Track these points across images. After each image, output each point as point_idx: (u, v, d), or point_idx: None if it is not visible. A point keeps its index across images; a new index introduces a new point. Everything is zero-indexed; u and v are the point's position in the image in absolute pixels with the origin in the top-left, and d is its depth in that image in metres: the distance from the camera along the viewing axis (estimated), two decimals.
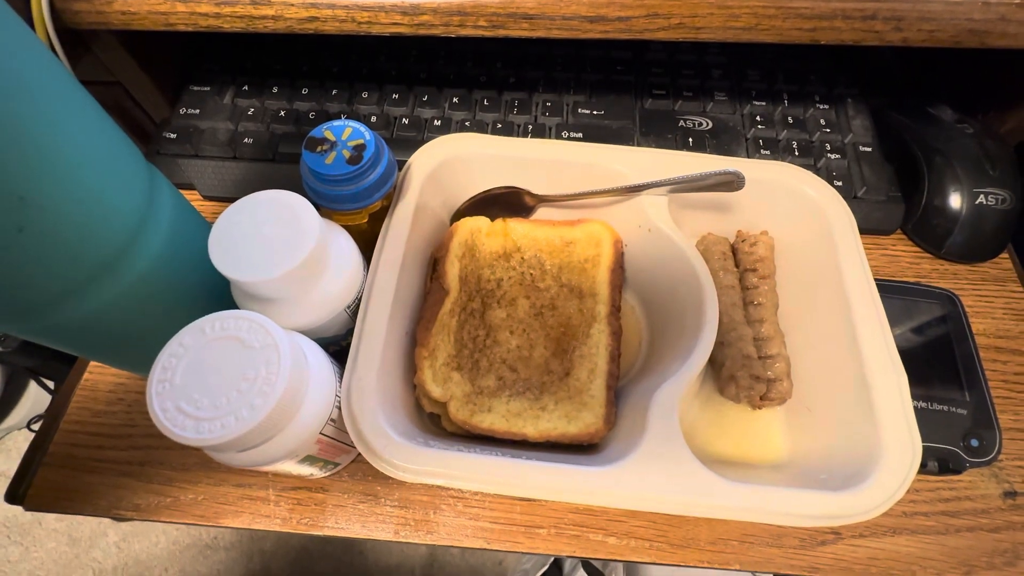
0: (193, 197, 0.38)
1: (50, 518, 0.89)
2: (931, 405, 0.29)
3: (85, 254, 0.20)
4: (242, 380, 0.20)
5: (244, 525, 0.29)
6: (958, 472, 0.28)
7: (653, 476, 0.23)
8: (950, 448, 0.28)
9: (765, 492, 0.23)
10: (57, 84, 0.19)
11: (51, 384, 0.91)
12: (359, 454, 0.27)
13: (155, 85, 0.39)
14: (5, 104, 0.16)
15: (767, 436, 0.29)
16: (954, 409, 0.29)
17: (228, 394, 0.20)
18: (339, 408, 0.24)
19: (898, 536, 0.28)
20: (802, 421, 0.28)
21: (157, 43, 0.38)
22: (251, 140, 0.37)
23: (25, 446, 0.31)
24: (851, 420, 0.25)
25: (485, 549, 0.28)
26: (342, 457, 0.28)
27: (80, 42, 0.35)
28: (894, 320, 0.26)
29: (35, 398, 0.96)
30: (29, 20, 0.30)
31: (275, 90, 0.39)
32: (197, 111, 0.39)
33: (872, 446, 0.24)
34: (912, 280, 0.35)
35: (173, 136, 0.38)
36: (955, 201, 0.34)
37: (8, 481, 0.30)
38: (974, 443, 0.28)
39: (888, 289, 0.32)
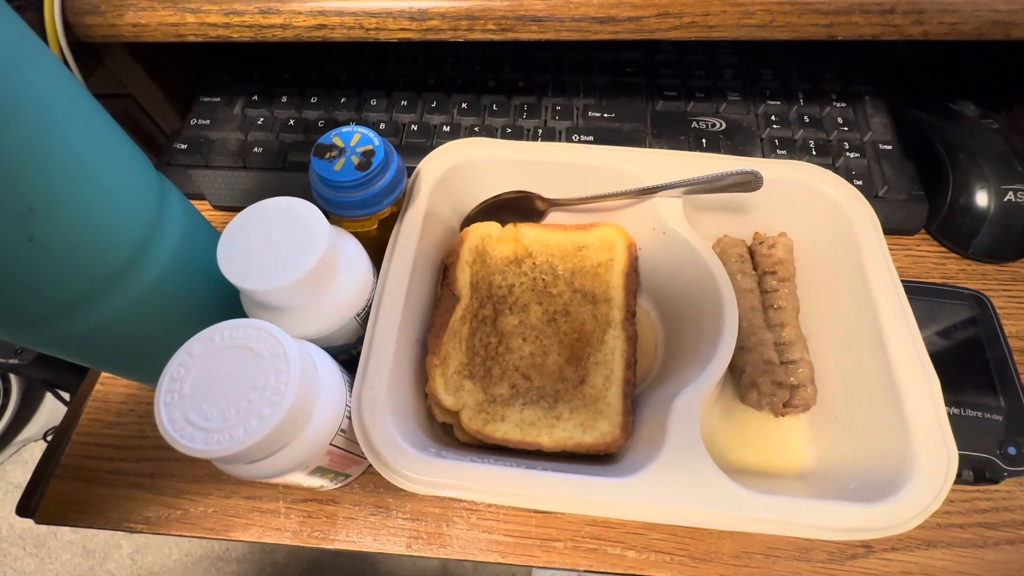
0: (203, 207, 0.38)
1: (65, 529, 0.89)
2: (963, 411, 0.28)
3: (95, 264, 0.20)
4: (251, 390, 0.20)
5: (254, 538, 0.28)
6: (995, 481, 0.27)
7: (673, 487, 0.22)
8: (986, 456, 0.27)
9: (792, 504, 0.22)
10: (68, 96, 0.19)
11: (67, 396, 0.92)
12: (370, 465, 0.27)
13: (166, 96, 0.39)
14: (16, 115, 0.16)
15: (791, 445, 0.28)
16: (988, 415, 0.28)
17: (237, 404, 0.20)
18: (349, 418, 0.24)
19: (933, 549, 0.27)
20: (828, 429, 0.27)
21: (168, 55, 0.39)
22: (260, 149, 0.37)
23: None
24: (881, 427, 0.24)
25: (499, 563, 0.27)
26: (353, 468, 0.27)
27: (92, 55, 0.35)
28: (920, 323, 0.25)
29: (51, 410, 0.97)
30: (43, 34, 0.31)
31: (284, 99, 0.39)
32: (207, 121, 0.39)
33: (904, 455, 0.23)
34: (938, 281, 0.34)
35: (183, 147, 0.38)
36: (982, 199, 0.33)
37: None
38: (1011, 451, 0.27)
39: (913, 291, 0.31)
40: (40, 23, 0.30)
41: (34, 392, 0.97)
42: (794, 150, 0.36)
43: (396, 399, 0.24)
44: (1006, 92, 0.38)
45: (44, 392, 0.97)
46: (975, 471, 0.27)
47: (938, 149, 0.35)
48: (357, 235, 0.28)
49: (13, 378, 0.92)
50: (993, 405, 0.28)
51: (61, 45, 0.31)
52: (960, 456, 0.26)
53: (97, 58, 0.36)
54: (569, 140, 0.37)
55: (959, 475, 0.27)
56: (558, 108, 0.39)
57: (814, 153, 0.36)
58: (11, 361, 0.75)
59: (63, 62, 0.32)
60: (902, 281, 0.27)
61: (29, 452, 0.96)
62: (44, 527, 0.89)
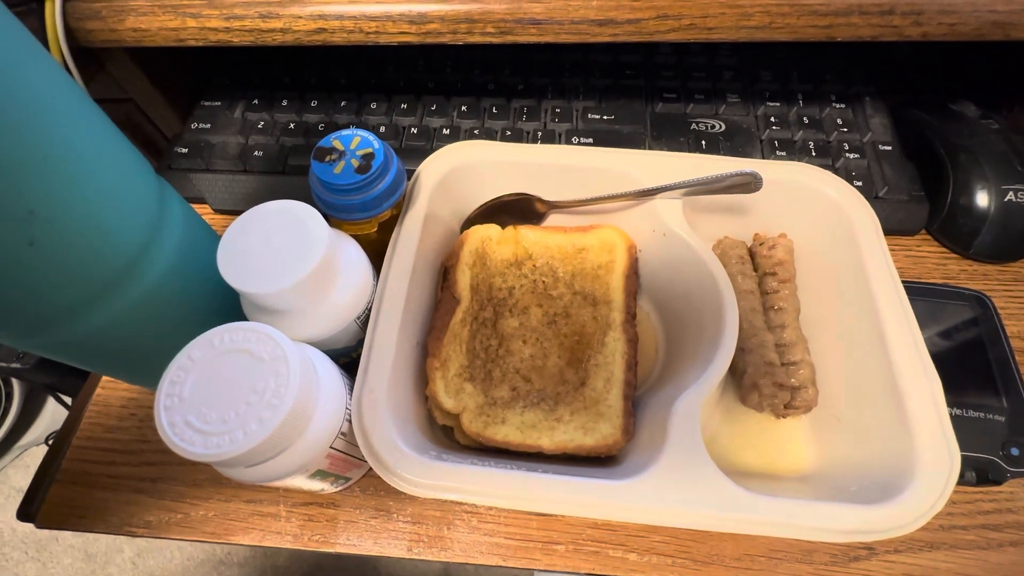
0: (204, 211, 0.38)
1: (66, 534, 0.89)
2: (966, 412, 0.28)
3: (95, 267, 0.20)
4: (251, 393, 0.20)
5: (255, 542, 0.28)
6: (998, 483, 0.27)
7: (675, 489, 0.22)
8: (989, 457, 0.27)
9: (794, 505, 0.22)
10: (68, 99, 0.19)
11: (69, 400, 0.92)
12: (370, 468, 0.27)
13: (167, 101, 0.39)
14: (17, 118, 0.16)
15: (793, 446, 0.28)
16: (991, 416, 0.28)
17: (237, 408, 0.20)
18: (349, 421, 0.24)
19: (936, 551, 0.27)
20: (829, 430, 0.27)
21: (168, 60, 0.39)
22: (261, 153, 0.37)
23: None
24: (882, 429, 0.24)
25: (501, 567, 0.27)
26: (353, 472, 0.27)
27: (94, 60, 0.35)
28: (921, 324, 0.25)
29: (53, 414, 0.97)
30: (44, 39, 0.31)
31: (284, 103, 0.40)
32: (208, 126, 0.39)
33: (906, 456, 0.23)
34: (939, 282, 0.34)
35: (184, 151, 0.38)
36: (982, 199, 0.33)
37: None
38: (1014, 452, 0.27)
39: (914, 291, 0.31)
40: (41, 28, 0.31)
41: (36, 396, 0.97)
42: (794, 151, 0.36)
43: (396, 402, 0.24)
44: (1006, 92, 0.38)
45: (46, 396, 0.97)
46: (978, 472, 0.27)
47: (938, 149, 0.35)
48: (357, 238, 0.28)
49: (15, 382, 0.92)
50: (995, 406, 0.28)
51: (62, 50, 0.31)
52: (962, 457, 0.26)
53: (98, 63, 0.36)
54: (569, 142, 0.37)
55: (962, 476, 0.27)
56: (558, 110, 0.39)
57: (814, 154, 0.36)
58: (13, 365, 0.75)
59: (64, 67, 0.32)
60: (903, 282, 0.26)
61: (31, 456, 0.96)
62: (46, 531, 0.89)
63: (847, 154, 0.36)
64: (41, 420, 0.97)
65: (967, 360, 0.30)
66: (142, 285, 0.21)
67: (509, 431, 0.26)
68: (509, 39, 0.31)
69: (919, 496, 0.21)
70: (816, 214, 0.30)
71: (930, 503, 0.21)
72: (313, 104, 0.39)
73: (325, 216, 0.25)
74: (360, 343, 0.27)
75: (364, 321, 0.26)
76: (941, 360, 0.24)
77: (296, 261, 0.23)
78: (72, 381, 0.86)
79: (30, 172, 0.17)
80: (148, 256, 0.21)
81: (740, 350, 0.28)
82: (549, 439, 0.26)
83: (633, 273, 0.31)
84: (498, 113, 0.39)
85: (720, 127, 0.38)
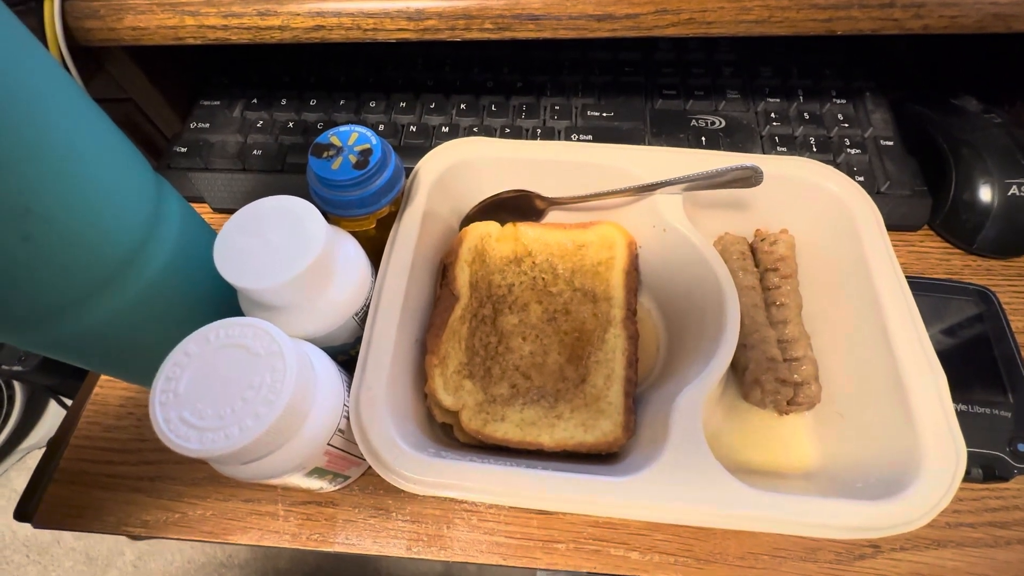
0: (203, 210, 0.38)
1: (68, 537, 0.89)
2: (972, 408, 0.27)
3: (92, 264, 0.20)
4: (247, 388, 0.20)
5: (253, 542, 0.28)
6: (1005, 479, 0.26)
7: (677, 486, 0.22)
8: (995, 454, 0.26)
9: (797, 502, 0.21)
10: (66, 96, 0.19)
11: (71, 403, 0.92)
12: (369, 466, 0.27)
13: (166, 100, 0.39)
14: (15, 115, 0.16)
15: (796, 443, 0.27)
16: (997, 412, 0.27)
17: (233, 403, 0.19)
18: (348, 419, 0.23)
19: (942, 549, 0.26)
20: (833, 427, 0.27)
21: (167, 59, 0.39)
22: (260, 152, 0.37)
23: None
24: (887, 425, 0.24)
25: (501, 566, 0.27)
26: (352, 470, 0.27)
27: (92, 59, 0.35)
28: (925, 320, 0.25)
29: (55, 417, 0.97)
30: (43, 39, 0.31)
31: (283, 102, 0.39)
32: (207, 125, 0.39)
33: (911, 452, 0.22)
34: (943, 277, 0.33)
35: (183, 150, 0.38)
36: (986, 193, 0.33)
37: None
38: (1021, 448, 0.26)
39: (918, 287, 0.31)
40: (40, 27, 0.31)
41: (38, 399, 0.97)
42: (794, 147, 0.36)
43: (395, 399, 0.24)
44: (1008, 86, 0.38)
45: (48, 399, 0.97)
46: (984, 469, 0.26)
47: (940, 144, 0.35)
48: (355, 235, 0.28)
49: (17, 385, 0.92)
50: (1002, 402, 0.28)
51: (61, 49, 0.31)
52: (969, 454, 0.25)
53: (97, 63, 0.36)
54: (568, 140, 0.37)
55: (968, 473, 0.26)
56: (557, 108, 0.39)
57: (815, 150, 0.36)
58: (15, 368, 0.75)
59: (63, 66, 0.32)
60: (906, 277, 0.26)
61: (33, 459, 0.96)
62: (48, 534, 0.89)
63: (848, 149, 0.35)
64: (43, 423, 0.97)
65: (972, 356, 0.29)
66: (139, 282, 0.21)
67: (509, 428, 0.26)
68: (507, 35, 0.31)
69: (925, 493, 0.21)
70: (818, 209, 0.30)
71: (936, 500, 0.21)
72: (312, 103, 0.39)
73: (323, 213, 0.24)
74: (358, 340, 0.26)
75: (362, 318, 0.26)
76: (946, 356, 0.24)
77: (293, 257, 0.22)
78: (74, 383, 0.86)
79: (28, 170, 0.17)
80: (145, 253, 0.21)
81: (742, 346, 0.28)
82: (549, 436, 0.26)
83: (633, 269, 0.31)
84: (497, 111, 0.38)
85: (720, 123, 0.38)
